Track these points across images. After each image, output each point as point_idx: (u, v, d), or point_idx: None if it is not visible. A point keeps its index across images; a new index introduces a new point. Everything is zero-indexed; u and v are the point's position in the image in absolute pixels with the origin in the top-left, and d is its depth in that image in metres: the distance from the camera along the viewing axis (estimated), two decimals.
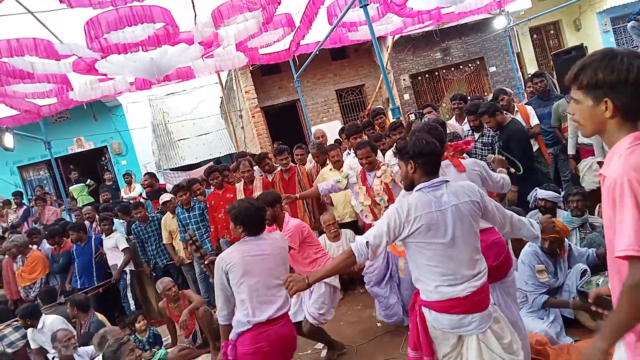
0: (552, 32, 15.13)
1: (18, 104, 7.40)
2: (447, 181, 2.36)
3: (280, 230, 3.75)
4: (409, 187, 2.42)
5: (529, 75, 8.00)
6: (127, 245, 6.53)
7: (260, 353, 2.82)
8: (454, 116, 6.43)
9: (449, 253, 2.25)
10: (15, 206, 9.52)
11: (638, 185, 1.33)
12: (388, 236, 2.27)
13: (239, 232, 2.97)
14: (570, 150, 5.32)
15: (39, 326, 5.00)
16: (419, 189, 2.33)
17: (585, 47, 9.56)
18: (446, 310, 2.26)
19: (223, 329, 2.99)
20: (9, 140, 7.35)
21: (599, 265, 3.77)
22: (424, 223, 2.23)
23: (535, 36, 14.80)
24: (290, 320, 3.07)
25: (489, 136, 4.99)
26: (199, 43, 6.19)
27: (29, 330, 5.15)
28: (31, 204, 9.42)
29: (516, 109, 5.70)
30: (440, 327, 2.29)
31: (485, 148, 4.99)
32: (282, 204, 3.56)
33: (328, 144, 6.84)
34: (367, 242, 2.27)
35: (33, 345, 5.15)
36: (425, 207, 2.25)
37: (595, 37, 14.23)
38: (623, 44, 14.75)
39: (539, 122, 5.57)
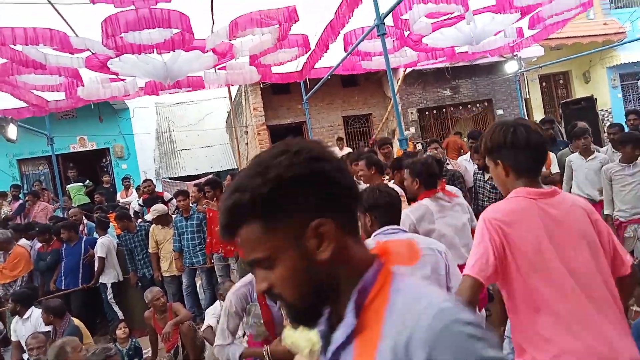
0: (561, 81, 15.30)
1: (26, 96, 7.38)
2: (405, 231, 2.27)
3: None
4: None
5: (538, 121, 8.03)
6: (102, 255, 6.33)
7: None
8: (468, 153, 6.40)
9: None
10: (11, 199, 9.41)
11: (488, 224, 1.64)
12: None
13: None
14: None
15: (25, 316, 5.00)
16: (373, 237, 2.22)
17: (595, 99, 9.66)
18: None
19: None
20: (12, 131, 7.29)
21: None
22: None
23: (544, 84, 14.96)
24: None
25: None
26: (213, 52, 6.21)
27: (14, 319, 5.11)
28: (26, 199, 9.31)
29: None
30: None
31: (494, 191, 4.87)
32: None
33: None
34: None
35: (13, 337, 5.11)
36: None
37: (603, 91, 14.39)
38: (630, 100, 14.92)
39: (559, 170, 5.52)
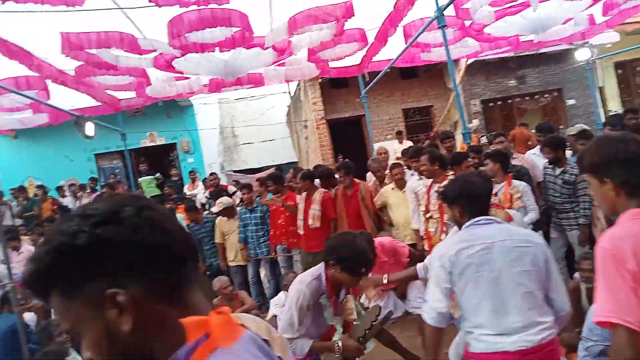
0: (639, 68, 14.27)
1: (100, 96, 7.88)
2: (498, 222, 2.18)
3: None
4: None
5: (615, 111, 7.56)
6: None
7: None
8: (538, 147, 6.14)
9: (493, 293, 2.00)
10: (89, 190, 10.12)
11: (614, 256, 1.44)
12: (442, 293, 2.11)
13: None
14: None
15: None
16: (464, 228, 2.20)
17: None
18: None
19: None
20: (90, 129, 7.81)
21: None
22: (462, 257, 2.06)
23: (619, 71, 14.01)
24: None
25: (572, 174, 4.58)
26: (273, 48, 6.34)
27: None
28: (103, 191, 9.97)
29: None
30: None
31: (567, 186, 4.61)
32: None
33: (389, 162, 6.77)
34: (437, 312, 2.12)
35: None
36: (463, 242, 2.09)
37: None
38: None
39: None
